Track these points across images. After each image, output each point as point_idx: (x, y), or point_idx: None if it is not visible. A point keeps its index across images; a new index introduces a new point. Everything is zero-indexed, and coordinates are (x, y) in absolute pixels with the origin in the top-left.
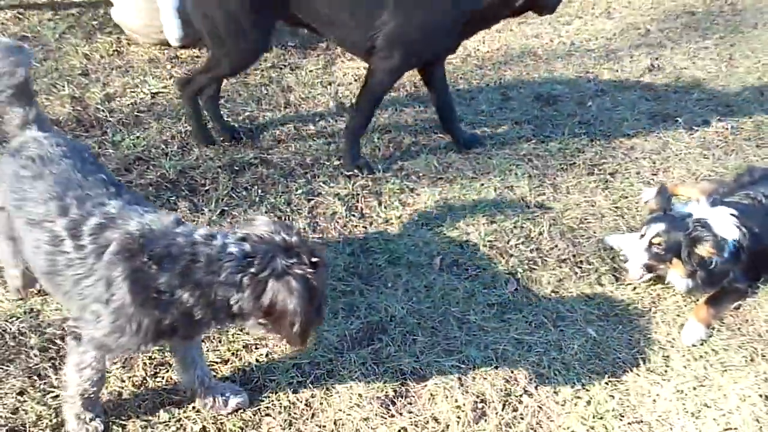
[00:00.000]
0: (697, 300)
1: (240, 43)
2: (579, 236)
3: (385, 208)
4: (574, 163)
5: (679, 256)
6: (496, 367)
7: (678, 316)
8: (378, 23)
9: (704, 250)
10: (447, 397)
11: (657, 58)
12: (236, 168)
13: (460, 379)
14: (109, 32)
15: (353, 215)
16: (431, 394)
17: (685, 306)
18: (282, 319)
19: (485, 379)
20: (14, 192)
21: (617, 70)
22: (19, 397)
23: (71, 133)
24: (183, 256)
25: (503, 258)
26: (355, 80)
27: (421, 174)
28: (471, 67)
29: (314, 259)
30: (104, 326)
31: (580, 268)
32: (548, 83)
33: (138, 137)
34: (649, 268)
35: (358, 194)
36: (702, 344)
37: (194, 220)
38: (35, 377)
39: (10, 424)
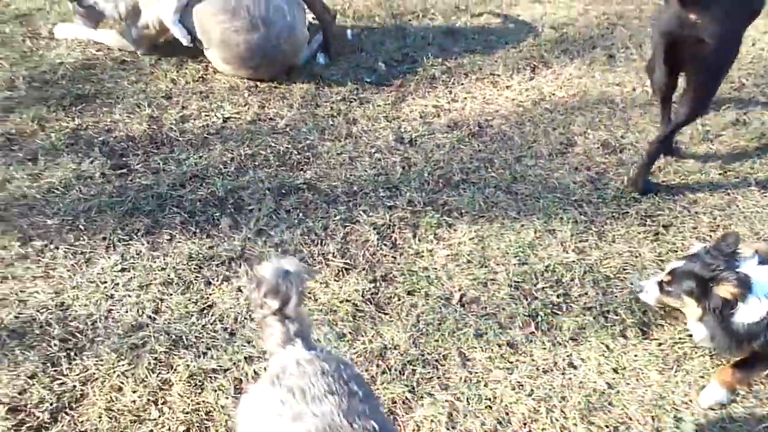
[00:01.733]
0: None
1: None
2: (613, 286)
3: (419, 240)
4: (627, 212)
5: (692, 294)
6: (490, 407)
7: (701, 377)
8: None
9: (724, 290)
10: (432, 430)
11: (745, 113)
12: (283, 191)
13: (450, 414)
14: (199, 60)
15: (385, 244)
16: (417, 426)
17: (712, 369)
18: None
19: (477, 417)
20: None
21: (698, 123)
22: (28, 380)
23: (142, 149)
24: None
25: (526, 300)
26: (421, 117)
27: (463, 210)
28: (541, 111)
29: None
30: None
31: (606, 317)
32: (619, 131)
33: (201, 157)
34: (660, 303)
35: (395, 225)
36: (720, 409)
37: (232, 236)
38: (49, 364)
39: (13, 403)
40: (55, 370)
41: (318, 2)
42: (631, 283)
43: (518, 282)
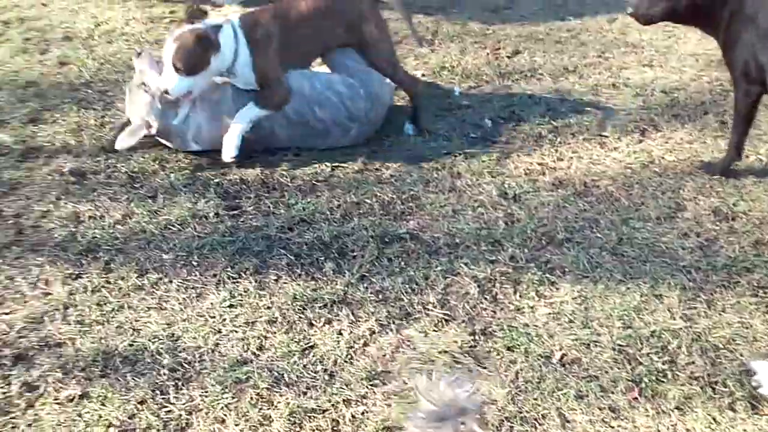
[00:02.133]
0: None
1: None
2: (722, 356)
3: (520, 296)
4: (739, 282)
5: None
6: None
7: None
8: None
9: None
10: None
11: None
12: (386, 240)
13: None
14: None
15: (485, 298)
16: None
17: None
18: None
19: None
20: None
21: None
22: (138, 405)
23: (255, 192)
24: None
25: (630, 365)
26: (525, 174)
27: (566, 269)
28: (649, 174)
29: None
30: None
31: (714, 389)
32: (731, 198)
33: (309, 202)
34: None
35: (496, 279)
36: None
37: (335, 280)
38: (157, 392)
39: (123, 426)
40: (163, 398)
41: (402, 74)
42: (746, 365)
43: (622, 346)
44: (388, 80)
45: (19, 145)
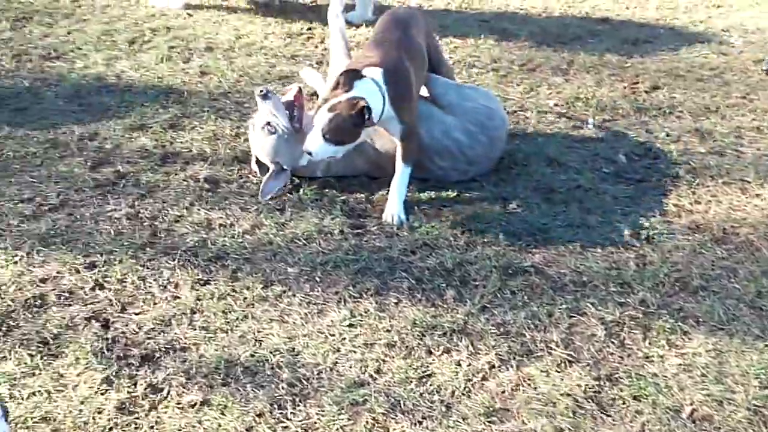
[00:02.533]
0: None
1: None
2: None
3: (650, 344)
4: None
5: None
6: None
7: None
8: None
9: None
10: None
11: None
12: (510, 271)
13: None
14: None
15: (612, 342)
16: None
17: None
18: None
19: None
20: None
21: None
22: (256, 418)
23: (379, 212)
24: None
25: (766, 428)
26: (660, 215)
27: (700, 319)
28: None
29: None
30: None
31: None
32: None
33: (433, 226)
34: None
35: (624, 323)
36: None
37: (455, 309)
38: (275, 406)
39: None
40: (280, 413)
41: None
42: None
43: (758, 406)
44: (503, 114)
45: (159, 149)
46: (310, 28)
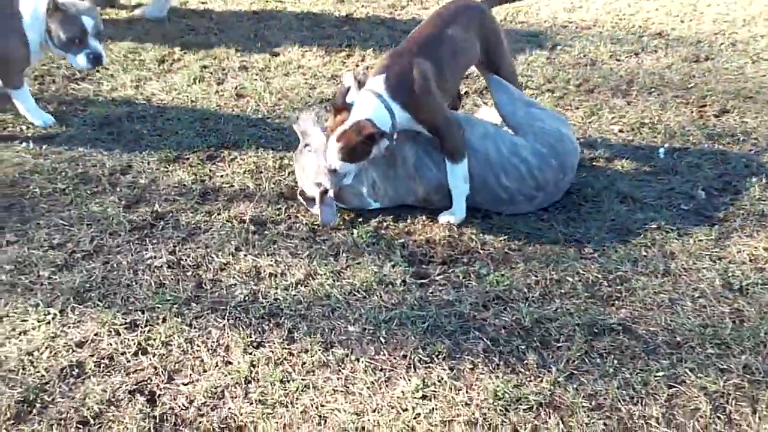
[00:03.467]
0: None
1: None
2: None
3: (759, 419)
4: None
5: None
6: None
7: None
8: None
9: None
10: None
11: None
12: (595, 330)
13: None
14: None
15: (719, 417)
16: None
17: None
18: None
19: None
20: None
21: None
22: None
23: (442, 257)
24: None
25: None
26: (751, 260)
27: None
28: None
29: None
30: None
31: None
32: None
33: (503, 275)
34: None
35: (729, 394)
36: None
37: (539, 376)
38: None
39: None
40: None
41: None
42: None
43: None
44: (575, 139)
45: (197, 184)
46: (349, 45)
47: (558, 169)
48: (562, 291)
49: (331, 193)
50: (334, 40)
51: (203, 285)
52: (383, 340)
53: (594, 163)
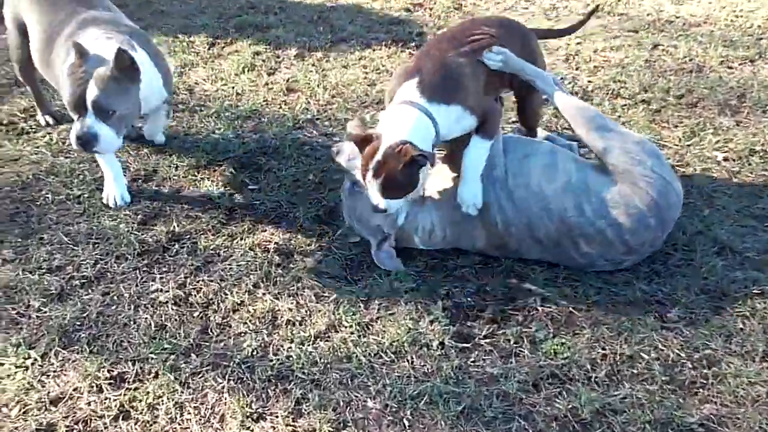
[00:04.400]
0: None
1: None
2: None
3: None
4: None
5: None
6: None
7: None
8: None
9: None
10: None
11: None
12: (671, 429)
13: None
14: None
15: None
16: None
17: None
18: None
19: None
20: None
21: None
22: None
23: (492, 310)
24: None
25: None
26: None
27: None
28: None
29: None
30: None
31: None
32: None
33: (562, 344)
34: None
35: None
36: None
37: None
38: None
39: None
40: None
41: None
42: None
43: None
44: (679, 187)
45: (225, 199)
46: (419, 33)
47: (657, 228)
48: (634, 371)
49: (392, 240)
50: (404, 27)
51: (209, 330)
52: (407, 423)
53: (689, 200)
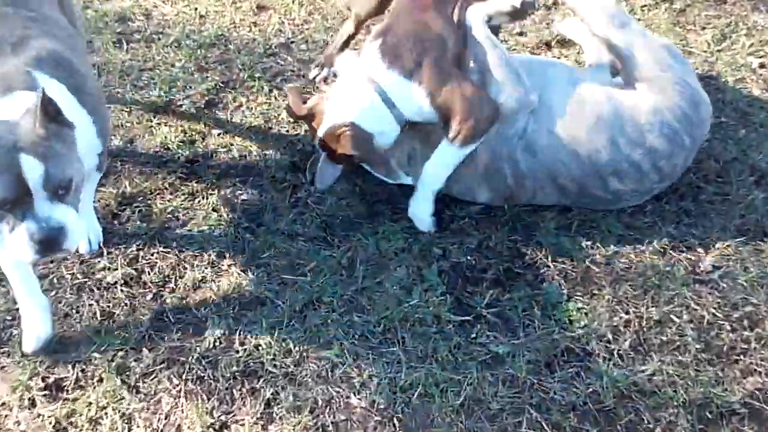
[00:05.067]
0: None
1: None
2: None
3: None
4: None
5: None
6: None
7: None
8: None
9: None
10: None
11: None
12: (708, 414)
13: None
14: None
15: None
16: None
17: None
18: None
19: None
20: None
21: None
22: None
23: (497, 265)
24: None
25: None
26: None
27: None
28: None
29: None
30: None
31: None
32: None
33: (579, 308)
34: None
35: None
36: None
37: None
38: None
39: None
40: None
41: None
42: None
43: None
44: (706, 96)
45: (186, 147)
46: None
47: (690, 149)
48: (663, 338)
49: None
50: None
51: (164, 317)
52: (396, 423)
53: (720, 118)
